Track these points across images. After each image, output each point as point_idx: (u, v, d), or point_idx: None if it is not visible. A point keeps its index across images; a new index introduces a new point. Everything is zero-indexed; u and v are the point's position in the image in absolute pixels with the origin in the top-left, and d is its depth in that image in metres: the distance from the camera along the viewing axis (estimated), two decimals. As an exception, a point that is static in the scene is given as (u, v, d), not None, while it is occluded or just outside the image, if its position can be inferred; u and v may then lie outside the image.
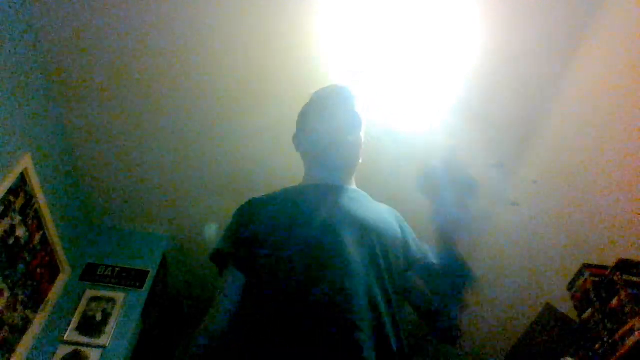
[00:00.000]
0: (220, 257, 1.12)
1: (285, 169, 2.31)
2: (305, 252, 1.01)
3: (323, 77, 1.92)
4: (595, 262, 1.61)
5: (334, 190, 1.17)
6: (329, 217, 1.08)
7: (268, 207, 1.15)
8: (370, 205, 1.20)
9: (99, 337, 2.23)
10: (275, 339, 0.92)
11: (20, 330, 1.95)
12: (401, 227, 1.19)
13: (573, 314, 1.68)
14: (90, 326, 2.26)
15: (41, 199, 1.97)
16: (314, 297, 0.94)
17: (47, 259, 2.12)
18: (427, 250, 1.19)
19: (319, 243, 1.02)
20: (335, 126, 1.21)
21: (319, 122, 1.24)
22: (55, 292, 2.21)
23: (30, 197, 1.91)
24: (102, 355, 2.17)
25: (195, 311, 3.33)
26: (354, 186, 1.24)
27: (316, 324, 0.92)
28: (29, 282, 1.98)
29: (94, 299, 2.37)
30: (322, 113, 1.26)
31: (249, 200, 1.20)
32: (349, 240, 1.02)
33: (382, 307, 0.97)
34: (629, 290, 1.34)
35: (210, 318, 1.03)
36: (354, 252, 1.01)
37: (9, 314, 1.85)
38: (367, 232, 1.07)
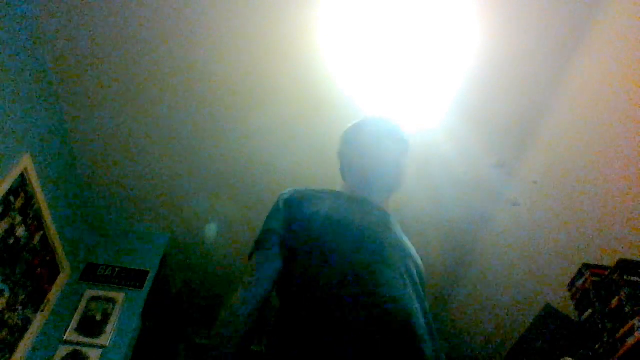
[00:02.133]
0: (265, 240, 1.13)
1: (286, 169, 2.32)
2: (356, 260, 1.05)
3: (323, 77, 1.92)
4: (595, 262, 1.61)
5: (377, 209, 1.22)
6: (378, 232, 1.14)
7: (319, 204, 1.17)
8: (402, 233, 1.27)
9: (99, 337, 2.23)
10: (317, 332, 0.95)
11: (20, 330, 1.95)
12: (423, 277, 1.25)
13: (573, 314, 1.68)
14: (90, 326, 2.26)
15: (41, 199, 1.97)
16: (370, 305, 1.00)
17: (47, 259, 2.12)
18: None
19: (371, 255, 1.07)
20: (381, 146, 1.27)
21: (369, 149, 1.29)
22: (55, 292, 2.21)
23: (30, 197, 1.91)
24: (102, 355, 2.17)
25: (196, 311, 3.34)
26: (389, 210, 1.29)
27: (377, 330, 0.97)
28: (29, 282, 1.98)
29: (94, 299, 2.37)
30: (372, 133, 1.32)
31: (295, 190, 1.23)
32: (394, 259, 1.09)
33: (429, 317, 1.04)
34: (629, 290, 1.34)
35: (241, 301, 1.02)
36: (399, 271, 1.07)
37: (9, 314, 1.85)
38: (408, 258, 1.13)
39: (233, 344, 0.97)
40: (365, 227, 1.11)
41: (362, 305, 0.98)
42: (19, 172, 1.81)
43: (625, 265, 1.42)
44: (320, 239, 1.07)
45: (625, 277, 1.39)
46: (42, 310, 2.10)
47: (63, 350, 2.15)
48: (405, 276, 1.06)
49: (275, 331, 1.03)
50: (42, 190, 1.98)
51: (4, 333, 1.84)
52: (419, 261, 1.19)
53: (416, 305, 1.02)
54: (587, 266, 1.59)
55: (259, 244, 1.13)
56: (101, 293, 2.39)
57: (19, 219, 1.86)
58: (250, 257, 1.14)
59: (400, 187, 1.32)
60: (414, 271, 1.11)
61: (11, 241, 1.83)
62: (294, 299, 1.03)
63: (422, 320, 1.01)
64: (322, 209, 1.14)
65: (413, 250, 1.20)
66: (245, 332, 0.98)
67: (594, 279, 1.53)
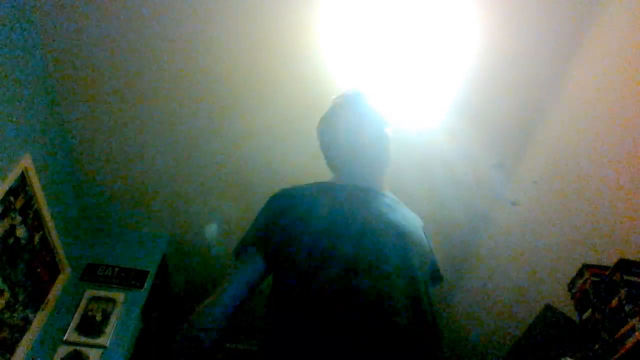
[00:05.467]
0: (247, 244, 1.11)
1: (286, 169, 2.32)
2: (343, 250, 1.02)
3: (324, 77, 1.92)
4: (595, 262, 1.61)
5: (366, 192, 1.17)
6: (365, 217, 1.09)
7: (303, 200, 1.14)
8: (401, 210, 1.21)
9: (99, 337, 2.22)
10: (314, 328, 0.94)
11: (20, 330, 1.95)
12: (425, 235, 1.20)
13: (573, 314, 1.68)
14: (90, 326, 2.26)
15: (41, 199, 1.97)
16: (354, 292, 0.96)
17: (47, 259, 2.12)
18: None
19: (358, 243, 1.03)
20: (347, 128, 1.21)
21: (334, 130, 1.25)
22: (55, 292, 2.21)
23: (30, 197, 1.91)
24: (102, 355, 2.17)
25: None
26: (385, 189, 1.23)
27: (356, 314, 0.94)
28: (29, 282, 1.98)
29: (94, 299, 2.37)
30: (335, 119, 1.26)
31: (282, 191, 1.19)
32: (386, 243, 1.05)
33: (423, 297, 1.01)
34: (629, 290, 1.34)
35: (216, 300, 1.02)
36: (391, 254, 1.04)
37: (9, 314, 1.85)
38: (401, 237, 1.09)
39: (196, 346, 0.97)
40: (353, 216, 1.07)
41: (358, 297, 0.97)
42: (19, 172, 1.81)
43: (625, 265, 1.42)
44: (312, 236, 1.04)
45: (625, 277, 1.39)
46: (42, 310, 2.10)
47: (63, 350, 2.15)
48: (393, 256, 1.04)
49: (269, 330, 1.02)
50: (42, 190, 1.98)
51: (4, 333, 1.84)
52: (415, 237, 1.13)
53: (399, 282, 1.00)
54: (587, 266, 1.59)
55: (239, 249, 1.11)
56: (101, 293, 2.39)
57: (19, 219, 1.86)
58: (234, 256, 1.12)
59: (389, 162, 1.26)
60: (416, 264, 1.07)
61: (11, 241, 1.83)
62: (290, 298, 1.01)
63: (402, 298, 0.98)
64: (312, 207, 1.10)
65: (410, 225, 1.15)
66: (214, 332, 0.98)
67: (594, 279, 1.53)
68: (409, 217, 1.20)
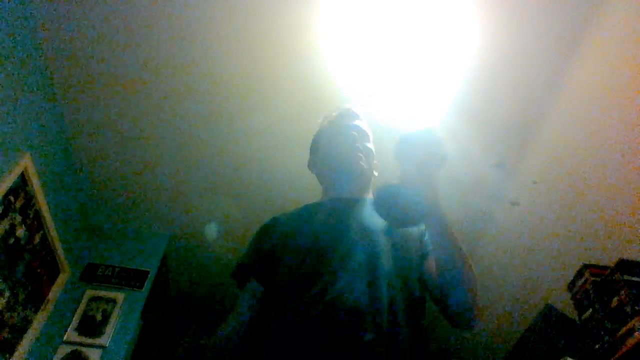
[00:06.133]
0: (242, 271, 1.15)
1: (285, 169, 2.32)
2: (319, 261, 1.03)
3: (324, 77, 1.92)
4: (595, 262, 1.61)
5: (350, 203, 1.19)
6: (343, 227, 1.10)
7: (288, 221, 1.18)
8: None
9: (99, 337, 2.23)
10: (297, 343, 0.94)
11: (20, 330, 1.95)
12: (421, 235, 1.21)
13: (573, 314, 1.68)
14: (90, 326, 2.26)
15: (41, 199, 1.97)
16: (329, 302, 0.96)
17: (47, 259, 2.12)
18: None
19: (333, 252, 1.04)
20: (343, 141, 1.26)
21: (327, 141, 1.31)
22: (55, 292, 2.20)
23: (30, 197, 1.91)
24: (102, 355, 2.17)
25: (196, 311, 3.34)
26: (370, 197, 1.24)
27: (332, 329, 0.94)
28: (29, 282, 1.98)
29: (94, 299, 2.37)
30: (330, 131, 1.33)
31: (272, 218, 1.23)
32: (364, 249, 1.05)
33: (400, 313, 0.97)
34: (629, 290, 1.34)
35: (224, 326, 1.08)
36: (368, 261, 1.03)
37: (9, 314, 1.85)
38: (382, 241, 1.07)
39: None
40: (333, 235, 1.08)
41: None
42: (19, 172, 1.81)
43: (625, 265, 1.42)
44: (287, 257, 1.08)
45: (625, 277, 1.39)
46: (42, 310, 2.10)
47: (63, 350, 2.15)
48: (387, 277, 1.01)
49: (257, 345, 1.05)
50: (42, 190, 1.98)
51: (4, 333, 1.84)
52: (414, 236, 1.13)
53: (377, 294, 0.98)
54: (587, 266, 1.59)
55: (235, 275, 1.16)
56: (101, 293, 2.40)
57: (19, 219, 1.86)
58: (238, 284, 1.17)
59: (372, 174, 1.28)
60: (400, 265, 1.05)
61: (11, 241, 1.83)
62: (275, 315, 1.03)
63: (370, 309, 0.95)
64: (288, 229, 1.15)
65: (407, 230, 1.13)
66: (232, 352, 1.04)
67: (594, 279, 1.53)
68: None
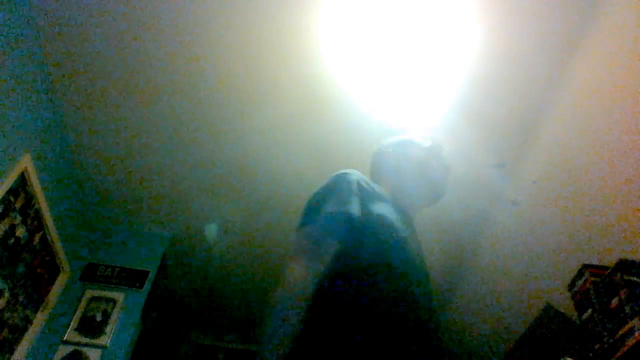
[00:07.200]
0: (337, 221, 1.04)
1: (286, 169, 2.32)
2: (404, 272, 1.13)
3: (324, 76, 1.92)
4: (595, 262, 1.61)
5: (412, 221, 1.31)
6: (417, 243, 1.25)
7: (390, 213, 1.17)
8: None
9: (99, 337, 2.23)
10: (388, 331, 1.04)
11: (20, 330, 1.95)
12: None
13: (573, 314, 1.68)
14: (90, 326, 2.26)
15: (41, 199, 1.97)
16: (411, 307, 1.11)
17: (47, 259, 2.12)
18: None
19: (419, 263, 1.19)
20: (446, 172, 1.37)
21: (429, 162, 1.37)
22: (55, 292, 2.21)
23: (30, 197, 1.91)
24: (102, 355, 2.17)
25: (196, 311, 3.34)
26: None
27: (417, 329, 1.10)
28: (29, 282, 1.98)
29: (94, 299, 2.37)
30: (433, 157, 1.40)
31: (360, 177, 1.20)
32: (420, 259, 1.22)
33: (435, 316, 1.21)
34: (629, 290, 1.34)
35: (301, 283, 0.95)
36: (422, 267, 1.22)
37: (9, 314, 1.86)
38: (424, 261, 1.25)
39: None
40: (411, 239, 1.20)
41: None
42: (19, 172, 1.81)
43: (625, 265, 1.42)
44: (389, 247, 1.11)
45: (625, 277, 1.39)
46: (42, 310, 2.10)
47: (63, 350, 2.16)
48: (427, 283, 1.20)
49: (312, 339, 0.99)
50: (42, 190, 1.98)
51: (4, 333, 1.84)
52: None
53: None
54: (587, 266, 1.59)
55: (329, 224, 1.02)
56: (101, 293, 2.40)
57: (19, 219, 1.86)
58: (307, 234, 1.03)
59: (437, 198, 1.37)
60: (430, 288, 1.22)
61: (11, 241, 1.83)
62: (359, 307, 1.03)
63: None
64: (385, 212, 1.14)
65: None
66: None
67: (594, 279, 1.53)
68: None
